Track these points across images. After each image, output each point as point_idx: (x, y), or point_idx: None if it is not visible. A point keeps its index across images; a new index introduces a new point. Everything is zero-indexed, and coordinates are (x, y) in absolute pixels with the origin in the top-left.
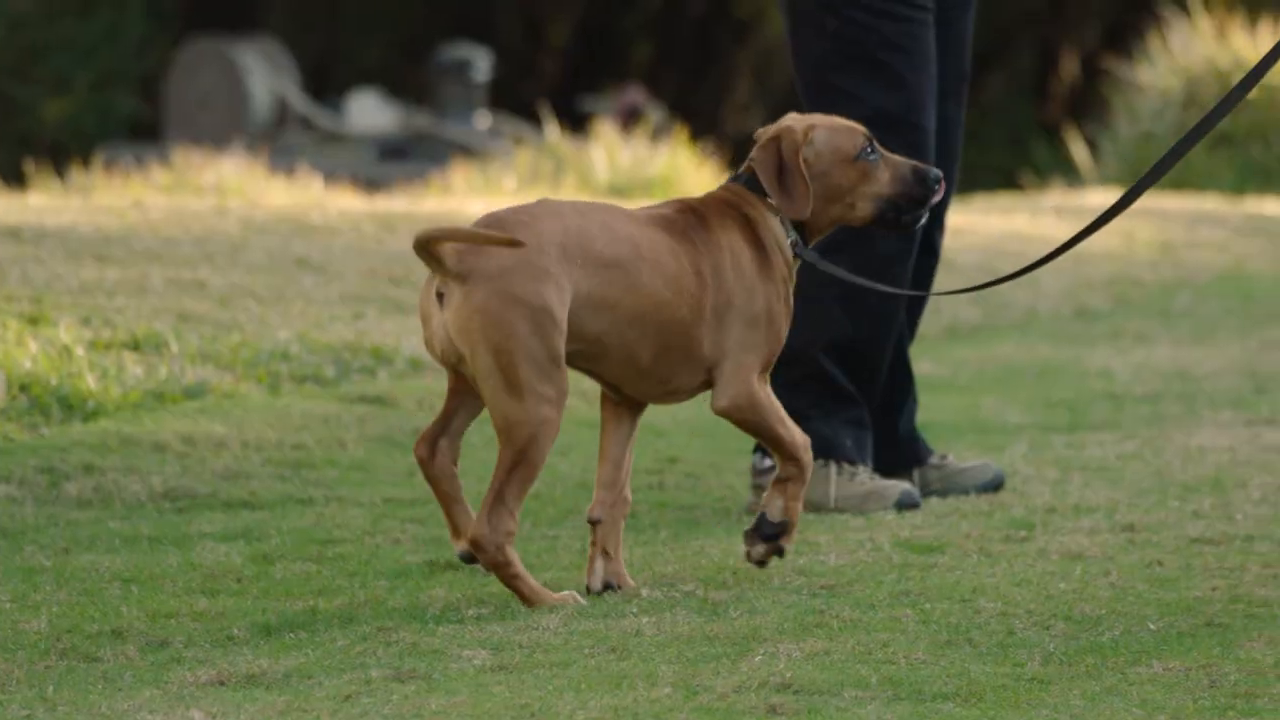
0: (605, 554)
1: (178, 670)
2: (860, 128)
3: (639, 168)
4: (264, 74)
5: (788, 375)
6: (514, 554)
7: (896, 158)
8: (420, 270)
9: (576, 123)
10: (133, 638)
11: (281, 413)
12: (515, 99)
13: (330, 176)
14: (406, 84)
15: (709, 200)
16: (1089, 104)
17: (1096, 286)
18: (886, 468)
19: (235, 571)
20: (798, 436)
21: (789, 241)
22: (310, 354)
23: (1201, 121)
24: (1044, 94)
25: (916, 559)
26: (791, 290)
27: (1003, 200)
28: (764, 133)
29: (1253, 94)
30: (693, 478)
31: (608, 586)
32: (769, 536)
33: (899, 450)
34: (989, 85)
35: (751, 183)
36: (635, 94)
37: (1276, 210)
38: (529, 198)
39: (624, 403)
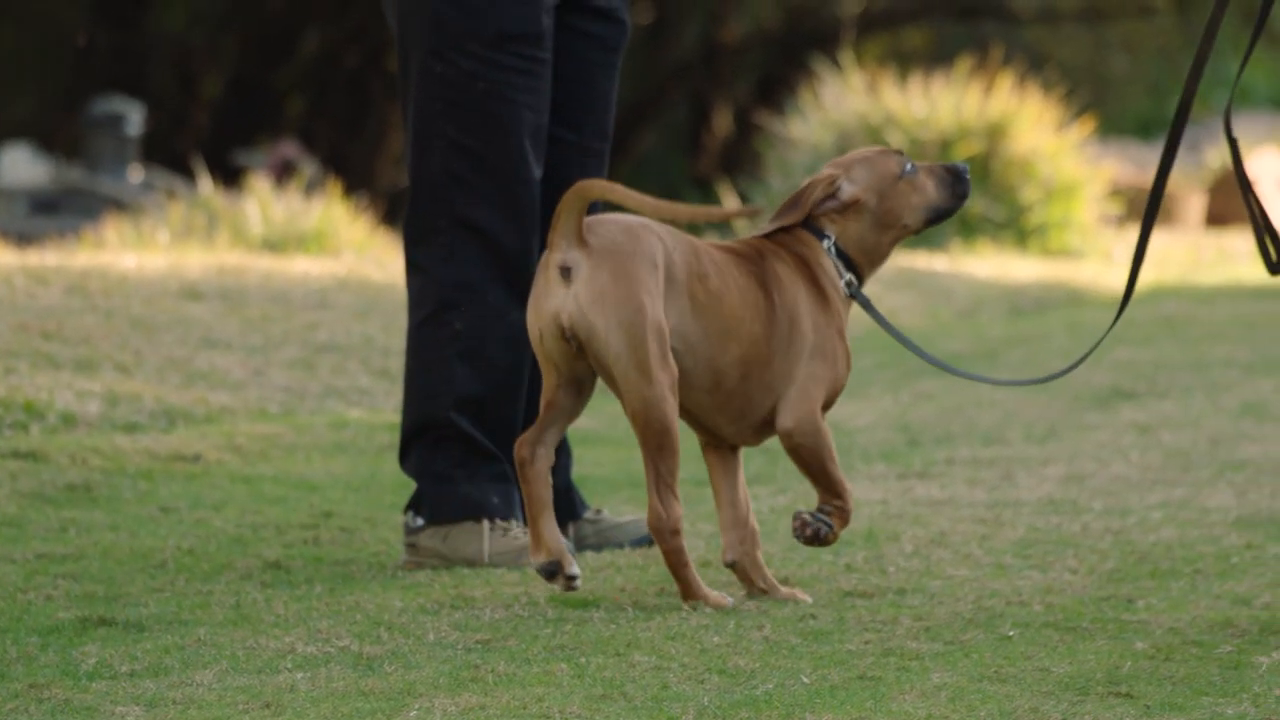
0: (760, 590)
1: None
2: (891, 147)
3: (293, 222)
4: None
5: (425, 439)
6: (684, 543)
7: (926, 164)
8: (72, 324)
9: (230, 176)
10: None
11: None
12: (168, 152)
13: None
14: (58, 138)
15: (763, 238)
16: (742, 158)
17: None
18: None
19: None
20: (845, 480)
21: (843, 281)
22: None
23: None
24: (697, 148)
25: (571, 613)
26: (845, 330)
27: None
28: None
29: (904, 148)
30: (347, 532)
31: None
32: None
33: (555, 505)
34: (642, 139)
35: (806, 224)
36: (289, 148)
37: (927, 264)
38: (182, 252)
39: (720, 445)
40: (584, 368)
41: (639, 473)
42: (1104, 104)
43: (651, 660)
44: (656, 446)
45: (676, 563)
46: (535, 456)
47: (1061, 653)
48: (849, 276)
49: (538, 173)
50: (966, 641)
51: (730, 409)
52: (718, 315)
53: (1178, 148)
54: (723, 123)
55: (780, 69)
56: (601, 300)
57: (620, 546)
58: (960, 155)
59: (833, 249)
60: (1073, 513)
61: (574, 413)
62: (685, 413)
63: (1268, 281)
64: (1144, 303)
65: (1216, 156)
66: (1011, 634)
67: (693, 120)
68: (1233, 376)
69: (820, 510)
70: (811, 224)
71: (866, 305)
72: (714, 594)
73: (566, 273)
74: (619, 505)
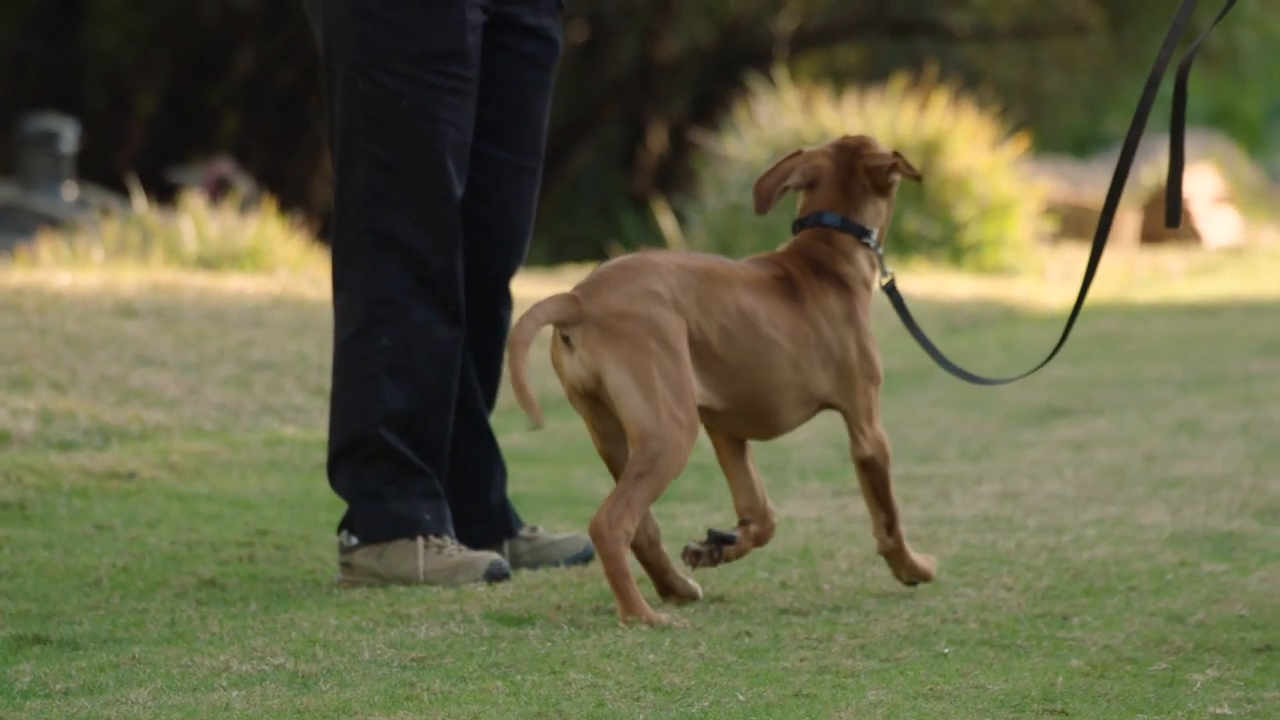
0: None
1: None
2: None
3: (228, 239)
4: None
5: (355, 457)
6: (626, 553)
7: None
8: (7, 342)
9: (164, 194)
10: None
11: None
12: (103, 170)
13: None
14: None
15: (796, 257)
16: (677, 175)
17: None
18: (478, 540)
19: None
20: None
21: (887, 279)
22: None
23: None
24: (632, 165)
25: (507, 631)
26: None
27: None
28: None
29: None
30: (283, 550)
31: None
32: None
33: (490, 522)
34: (578, 157)
35: (846, 224)
36: (223, 165)
37: None
38: (117, 270)
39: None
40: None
41: (574, 490)
42: (1039, 122)
43: (587, 678)
44: (640, 470)
45: (615, 570)
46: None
47: (996, 670)
48: (891, 273)
49: (459, 191)
50: (902, 659)
51: (764, 424)
52: (749, 342)
53: (1128, 169)
54: (658, 140)
55: (715, 86)
56: (598, 350)
57: (555, 564)
58: None
59: (879, 246)
60: (1007, 530)
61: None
62: (716, 425)
63: (1201, 299)
64: (1079, 320)
65: (1151, 174)
66: (946, 651)
67: (628, 138)
68: (1167, 394)
69: (881, 548)
70: (849, 221)
71: (899, 305)
72: (651, 613)
73: (567, 340)
74: (554, 523)
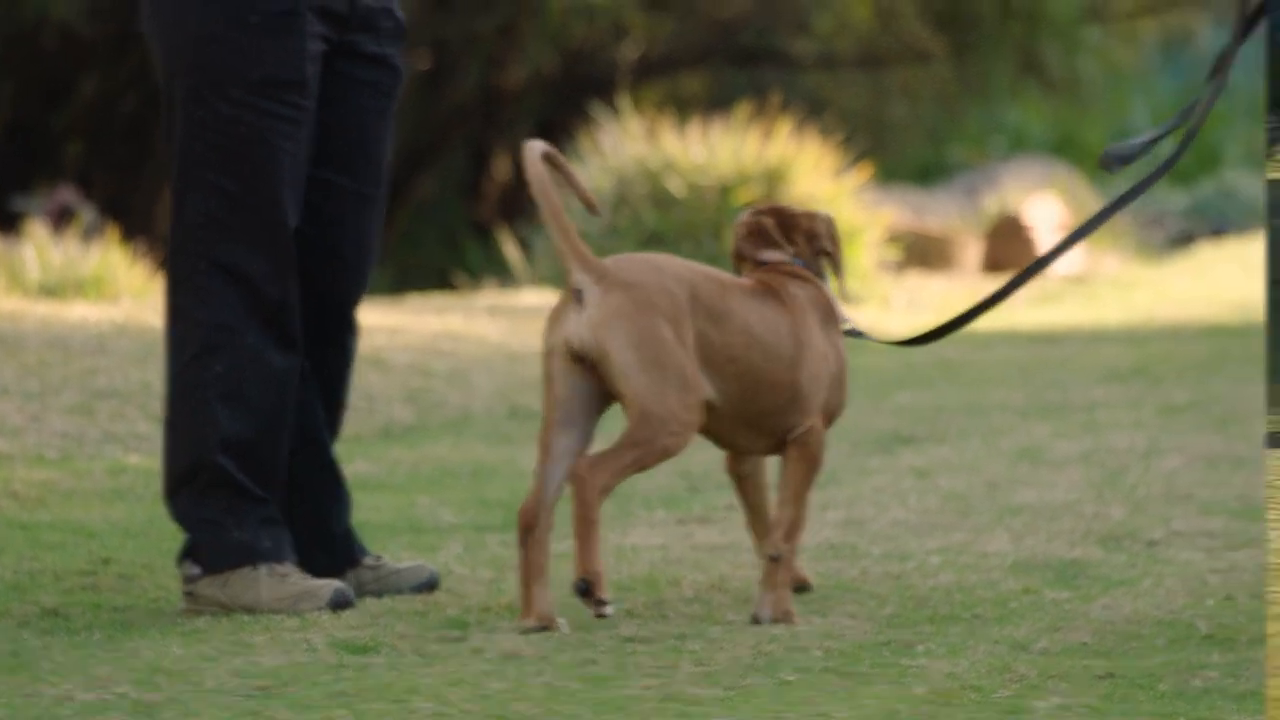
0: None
1: None
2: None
3: (71, 267)
4: None
5: (193, 484)
6: (599, 507)
7: None
8: None
9: (7, 222)
10: None
11: None
12: None
13: None
14: None
15: (776, 275)
16: (521, 204)
17: (530, 386)
18: (322, 568)
19: None
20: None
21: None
22: None
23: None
24: (476, 193)
25: (352, 659)
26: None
27: (437, 300)
28: (815, 219)
29: (682, 194)
30: (126, 579)
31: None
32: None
33: (333, 550)
34: (421, 185)
35: (810, 268)
36: (66, 193)
37: None
38: None
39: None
40: (585, 397)
41: (419, 518)
42: (882, 150)
43: (432, 707)
44: (633, 442)
45: (583, 518)
46: (538, 523)
47: (841, 698)
48: (850, 322)
49: (294, 219)
50: (747, 686)
51: (755, 432)
52: (740, 350)
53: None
54: (502, 168)
55: (559, 114)
56: (609, 324)
57: (400, 592)
58: (739, 200)
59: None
60: (852, 558)
61: (569, 457)
62: (707, 432)
63: (1042, 327)
64: (922, 347)
65: (994, 202)
66: (791, 679)
67: (471, 165)
68: (1009, 421)
69: (769, 548)
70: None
71: (860, 335)
72: (601, 577)
73: (579, 296)
74: (399, 551)
